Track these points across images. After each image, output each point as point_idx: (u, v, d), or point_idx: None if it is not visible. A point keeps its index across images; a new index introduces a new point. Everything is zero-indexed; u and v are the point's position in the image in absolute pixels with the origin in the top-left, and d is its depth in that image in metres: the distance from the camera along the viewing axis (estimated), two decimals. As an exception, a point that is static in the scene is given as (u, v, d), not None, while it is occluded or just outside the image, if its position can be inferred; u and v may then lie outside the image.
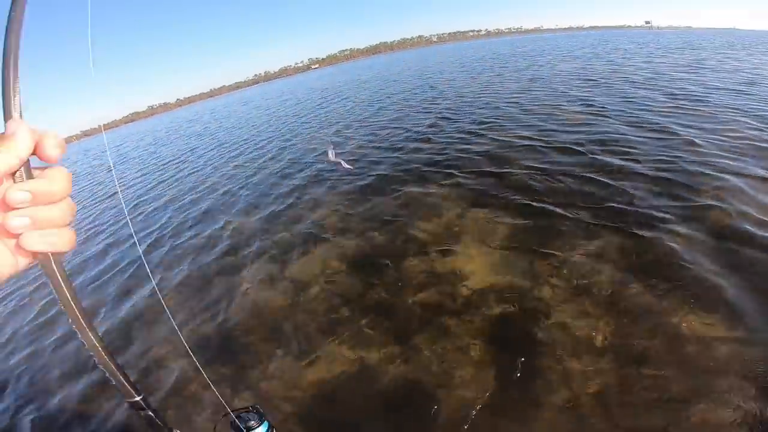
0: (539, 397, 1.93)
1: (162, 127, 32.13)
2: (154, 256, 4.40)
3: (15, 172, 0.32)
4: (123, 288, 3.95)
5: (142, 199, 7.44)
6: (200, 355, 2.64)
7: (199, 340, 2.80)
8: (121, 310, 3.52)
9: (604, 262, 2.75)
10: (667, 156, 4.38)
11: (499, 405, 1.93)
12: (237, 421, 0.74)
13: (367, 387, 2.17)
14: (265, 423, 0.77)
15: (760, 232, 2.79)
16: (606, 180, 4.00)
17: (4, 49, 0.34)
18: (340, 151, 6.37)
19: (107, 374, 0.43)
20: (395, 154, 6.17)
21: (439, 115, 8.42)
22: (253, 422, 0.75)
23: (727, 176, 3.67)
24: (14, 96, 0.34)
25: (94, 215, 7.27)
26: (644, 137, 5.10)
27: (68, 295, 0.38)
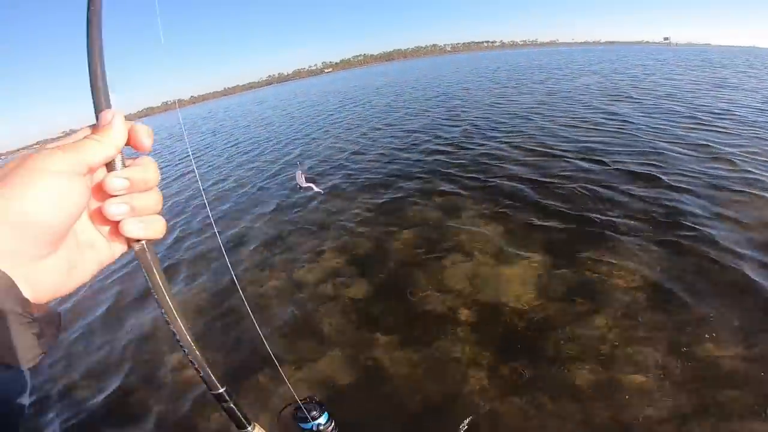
0: (546, 407, 1.91)
1: (175, 123, 32.48)
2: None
3: (111, 161, 0.33)
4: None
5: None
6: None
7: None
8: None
9: (623, 274, 2.74)
10: (697, 170, 4.34)
11: (505, 414, 1.91)
12: (303, 409, 0.76)
13: (375, 390, 2.16)
14: (326, 414, 0.78)
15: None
16: (631, 191, 3.97)
17: (88, 42, 0.34)
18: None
19: (194, 365, 0.43)
20: (417, 159, 6.15)
21: (462, 122, 8.40)
22: (315, 412, 0.77)
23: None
24: (103, 87, 0.34)
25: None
26: (678, 152, 5.05)
27: (161, 284, 0.38)
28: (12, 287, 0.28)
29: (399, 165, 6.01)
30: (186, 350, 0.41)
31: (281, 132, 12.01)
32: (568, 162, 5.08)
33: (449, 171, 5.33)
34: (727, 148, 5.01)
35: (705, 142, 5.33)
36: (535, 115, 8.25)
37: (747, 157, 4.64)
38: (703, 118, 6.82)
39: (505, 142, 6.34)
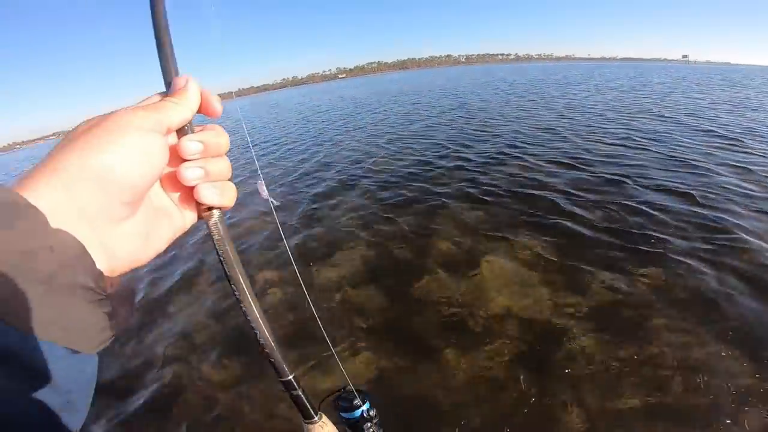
0: (553, 420, 1.92)
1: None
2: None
3: (183, 127, 0.33)
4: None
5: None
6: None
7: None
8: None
9: (632, 290, 2.77)
10: (710, 193, 4.34)
11: (512, 426, 1.92)
12: (355, 393, 0.76)
13: (382, 397, 2.14)
14: (368, 402, 0.78)
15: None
16: (644, 209, 3.98)
17: (152, 11, 0.34)
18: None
19: (264, 348, 0.40)
20: (439, 167, 6.17)
21: (483, 134, 8.43)
22: (357, 401, 0.78)
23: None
24: (172, 55, 0.34)
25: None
26: (686, 172, 5.07)
27: (233, 257, 0.36)
28: (84, 256, 0.25)
29: (420, 173, 6.03)
30: (257, 332, 0.39)
31: (299, 135, 12.13)
32: (591, 175, 5.10)
33: (472, 180, 5.35)
34: (753, 167, 5.02)
35: (731, 162, 5.31)
36: (557, 130, 8.25)
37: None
38: (727, 137, 6.80)
39: (528, 154, 6.35)
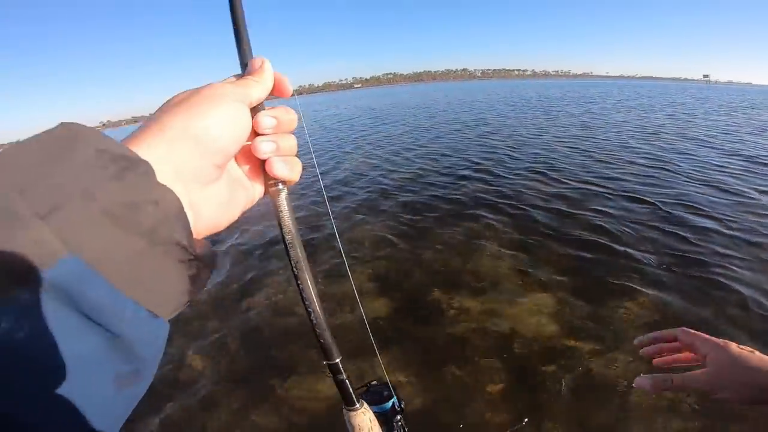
0: None
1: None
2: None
3: (258, 105, 0.36)
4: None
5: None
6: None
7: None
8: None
9: (644, 314, 2.77)
10: (736, 216, 4.30)
11: None
12: (390, 386, 0.77)
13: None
14: (395, 396, 0.78)
15: None
16: (666, 229, 3.96)
17: (231, 1, 0.37)
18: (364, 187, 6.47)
19: (315, 328, 0.40)
20: (451, 182, 6.18)
21: (497, 150, 8.42)
22: (387, 393, 0.79)
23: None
24: (247, 39, 0.37)
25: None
26: (715, 195, 5.01)
27: (294, 232, 0.37)
28: (182, 213, 0.25)
29: (432, 186, 6.03)
30: (311, 311, 0.39)
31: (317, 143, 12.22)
32: (603, 197, 5.06)
33: (483, 196, 5.33)
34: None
35: (747, 189, 5.23)
36: (571, 149, 8.22)
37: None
38: (746, 162, 6.73)
39: (540, 173, 6.34)
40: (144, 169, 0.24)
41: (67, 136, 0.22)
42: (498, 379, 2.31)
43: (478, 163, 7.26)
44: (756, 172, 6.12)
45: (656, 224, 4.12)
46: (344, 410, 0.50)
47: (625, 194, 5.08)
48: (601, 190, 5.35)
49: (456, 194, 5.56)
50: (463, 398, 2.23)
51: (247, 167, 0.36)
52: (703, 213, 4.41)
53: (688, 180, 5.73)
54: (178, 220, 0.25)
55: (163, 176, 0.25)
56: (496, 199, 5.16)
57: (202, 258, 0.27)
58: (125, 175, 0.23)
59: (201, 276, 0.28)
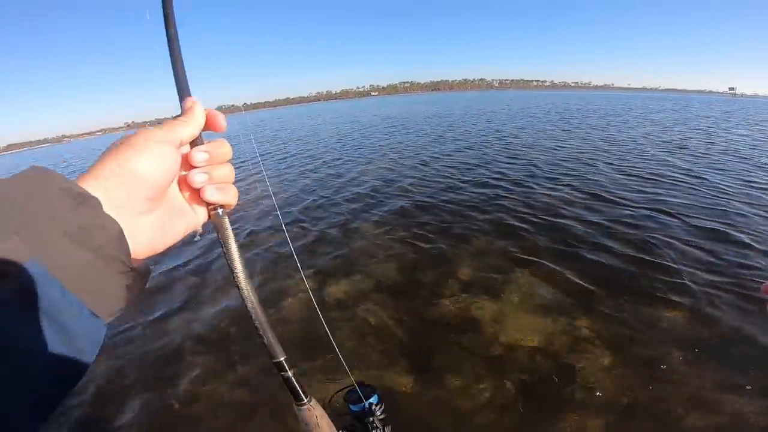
0: None
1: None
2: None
3: (195, 140, 0.40)
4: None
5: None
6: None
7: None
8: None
9: (650, 331, 2.75)
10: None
11: None
12: (356, 388, 0.79)
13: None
14: (376, 395, 0.80)
15: None
16: (695, 244, 3.93)
17: (168, 39, 0.41)
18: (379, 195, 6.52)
19: (258, 330, 0.44)
20: (472, 192, 6.17)
21: (518, 161, 8.35)
22: (367, 394, 0.81)
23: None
24: (184, 80, 0.41)
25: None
26: (746, 210, 4.94)
27: (233, 248, 0.41)
28: (121, 235, 0.32)
29: (453, 196, 6.03)
30: (252, 314, 0.43)
31: (336, 149, 12.35)
32: (626, 210, 5.02)
33: (505, 206, 5.35)
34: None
35: None
36: (594, 162, 8.10)
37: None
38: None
39: (563, 185, 6.28)
40: (94, 203, 0.31)
41: (37, 177, 0.29)
42: (503, 390, 2.31)
43: (498, 174, 7.22)
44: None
45: (688, 240, 3.99)
46: (294, 406, 0.53)
47: (645, 206, 4.96)
48: (618, 201, 5.28)
49: (474, 204, 5.57)
50: (461, 405, 2.24)
51: (188, 194, 0.41)
52: (736, 228, 4.22)
53: (716, 194, 5.51)
54: (119, 240, 0.31)
55: (107, 208, 0.31)
56: (516, 210, 5.15)
57: (138, 270, 0.34)
58: (80, 207, 0.29)
59: (135, 286, 0.34)
